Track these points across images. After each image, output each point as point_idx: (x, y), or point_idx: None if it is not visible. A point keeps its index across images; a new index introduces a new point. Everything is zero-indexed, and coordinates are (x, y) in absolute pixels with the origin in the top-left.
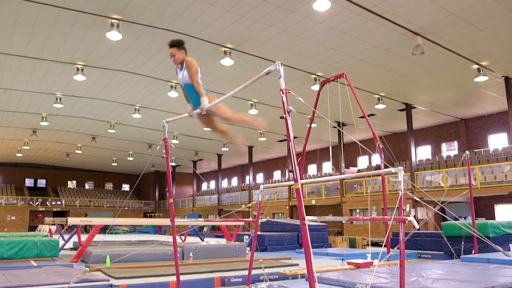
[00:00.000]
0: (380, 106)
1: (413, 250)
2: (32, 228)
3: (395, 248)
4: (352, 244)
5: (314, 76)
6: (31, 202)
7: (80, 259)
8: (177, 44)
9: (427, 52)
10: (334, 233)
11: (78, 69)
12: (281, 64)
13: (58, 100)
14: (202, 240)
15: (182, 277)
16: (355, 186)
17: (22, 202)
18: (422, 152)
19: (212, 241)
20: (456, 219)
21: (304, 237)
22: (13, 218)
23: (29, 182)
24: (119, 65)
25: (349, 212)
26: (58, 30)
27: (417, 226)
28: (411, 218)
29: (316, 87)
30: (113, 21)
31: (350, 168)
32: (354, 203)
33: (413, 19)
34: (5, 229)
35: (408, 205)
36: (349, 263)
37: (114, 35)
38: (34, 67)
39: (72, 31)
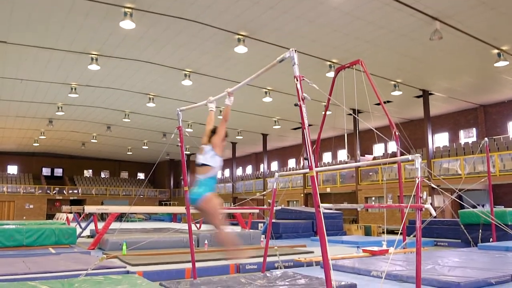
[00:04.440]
0: (397, 93)
1: (429, 238)
2: (50, 216)
3: (411, 235)
4: (368, 232)
5: (329, 63)
6: (48, 191)
7: (97, 247)
8: None
9: (445, 37)
10: (349, 221)
11: (92, 59)
12: (295, 51)
13: (73, 90)
14: None
15: (197, 264)
16: (370, 173)
17: (40, 191)
18: (439, 139)
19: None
20: (474, 206)
21: (319, 224)
22: (31, 206)
23: (46, 171)
24: (133, 54)
25: (364, 200)
26: (72, 20)
27: (434, 213)
28: (428, 205)
29: (331, 74)
30: (126, 10)
31: (366, 155)
32: (369, 191)
33: (431, 4)
34: (24, 217)
35: (424, 193)
36: (364, 251)
37: (127, 24)
38: (49, 57)
39: (86, 21)
